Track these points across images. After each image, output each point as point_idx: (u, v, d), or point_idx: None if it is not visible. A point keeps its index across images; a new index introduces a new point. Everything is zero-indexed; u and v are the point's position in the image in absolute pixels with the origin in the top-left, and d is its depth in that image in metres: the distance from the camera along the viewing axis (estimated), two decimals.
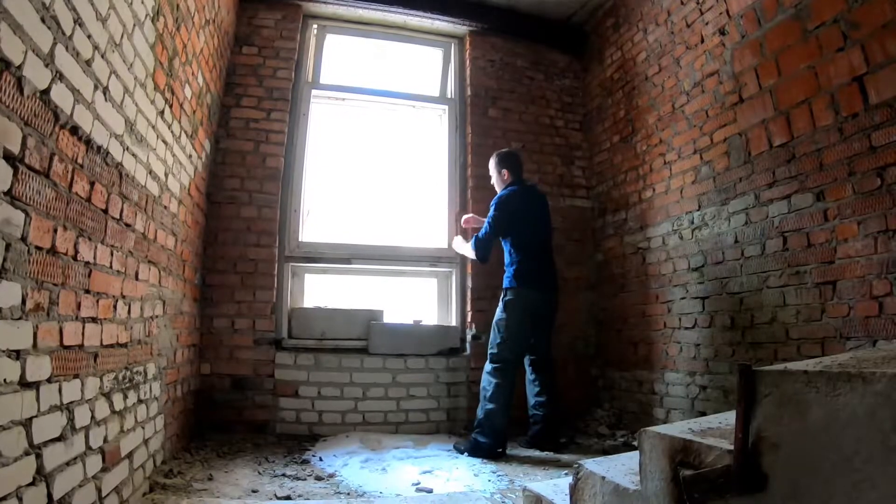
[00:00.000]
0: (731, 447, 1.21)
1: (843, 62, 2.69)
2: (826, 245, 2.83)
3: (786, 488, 1.10)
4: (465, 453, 3.60)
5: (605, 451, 3.67)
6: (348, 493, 2.80)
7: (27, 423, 1.53)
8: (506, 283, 3.88)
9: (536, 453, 3.69)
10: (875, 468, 0.96)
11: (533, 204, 4.00)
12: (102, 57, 1.99)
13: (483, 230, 3.93)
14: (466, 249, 4.14)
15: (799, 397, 1.10)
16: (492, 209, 3.91)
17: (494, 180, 4.15)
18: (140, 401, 2.54)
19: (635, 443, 1.61)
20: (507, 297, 3.83)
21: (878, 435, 0.96)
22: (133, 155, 2.37)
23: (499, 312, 3.84)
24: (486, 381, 3.76)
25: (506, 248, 3.97)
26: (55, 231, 1.70)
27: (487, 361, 3.82)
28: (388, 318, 4.51)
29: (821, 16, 2.82)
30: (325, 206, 4.92)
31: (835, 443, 1.03)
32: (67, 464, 1.77)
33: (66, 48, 1.71)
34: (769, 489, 1.13)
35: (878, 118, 2.52)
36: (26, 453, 1.52)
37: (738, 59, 3.45)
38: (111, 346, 2.19)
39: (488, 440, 3.58)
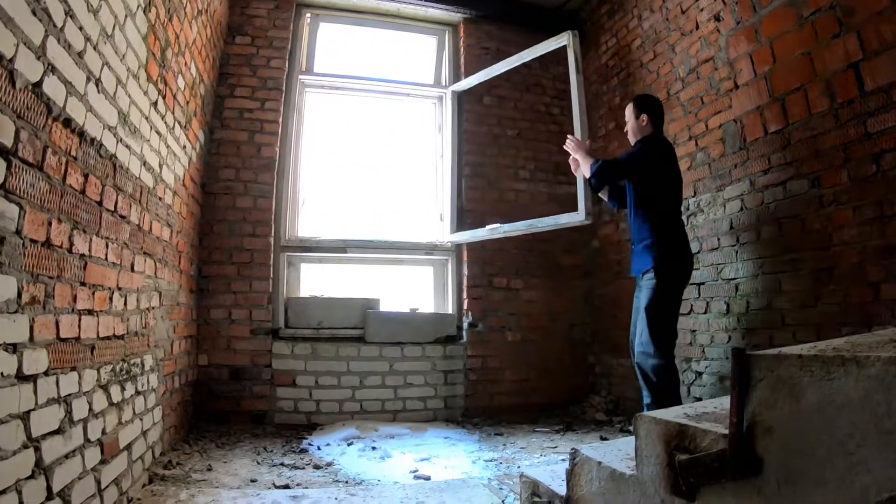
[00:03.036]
0: (727, 431, 1.22)
1: (839, 49, 2.69)
2: (821, 231, 2.83)
3: (781, 472, 1.11)
4: None
5: (602, 438, 3.70)
6: (346, 482, 2.82)
7: (25, 417, 1.54)
8: (651, 262, 3.17)
9: (533, 439, 3.71)
10: (869, 451, 0.97)
11: (674, 159, 3.36)
12: (94, 48, 1.97)
13: (616, 161, 3.38)
14: (586, 167, 3.49)
15: (793, 381, 1.11)
16: (635, 148, 3.37)
17: (629, 128, 3.43)
18: (138, 392, 2.55)
19: (631, 429, 1.62)
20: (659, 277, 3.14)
21: (872, 418, 0.97)
22: (127, 146, 2.36)
23: (649, 297, 3.15)
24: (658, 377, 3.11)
25: (639, 212, 3.30)
26: (50, 224, 1.69)
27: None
28: (385, 307, 4.52)
29: (816, 2, 2.80)
30: (321, 195, 4.91)
31: (829, 427, 1.04)
32: (66, 456, 1.78)
33: (58, 40, 1.69)
34: (764, 473, 1.14)
35: (874, 104, 2.52)
36: (25, 446, 1.53)
37: (733, 45, 3.44)
38: (108, 338, 2.19)
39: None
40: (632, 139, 3.44)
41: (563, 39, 4.21)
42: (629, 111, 3.42)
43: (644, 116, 3.34)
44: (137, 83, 2.46)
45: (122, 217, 2.34)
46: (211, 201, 4.11)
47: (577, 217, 4.03)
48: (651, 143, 3.30)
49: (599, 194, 3.71)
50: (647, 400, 3.15)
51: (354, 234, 4.65)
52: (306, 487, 2.69)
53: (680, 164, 3.89)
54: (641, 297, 3.22)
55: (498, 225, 4.51)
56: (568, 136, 3.73)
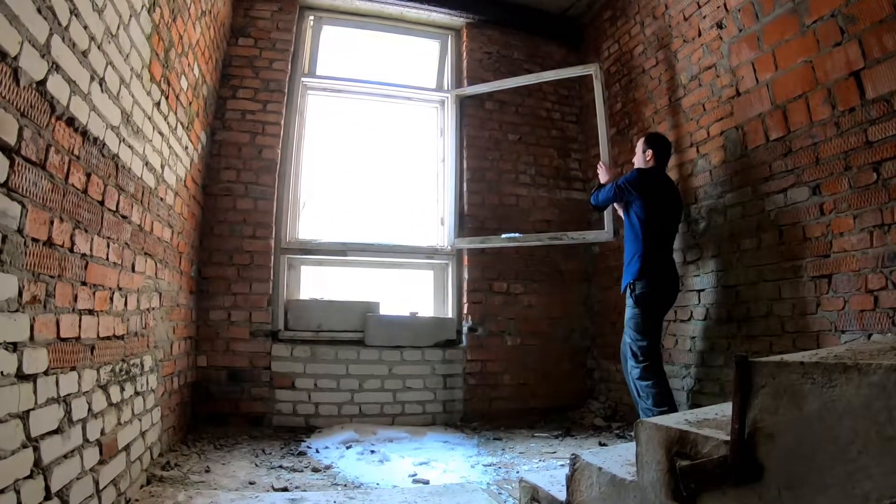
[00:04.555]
0: (728, 438, 1.22)
1: (841, 57, 2.70)
2: (822, 239, 2.84)
3: (782, 478, 1.11)
4: None
5: (601, 443, 3.69)
6: (345, 485, 2.81)
7: (24, 416, 1.53)
8: (629, 280, 3.54)
9: (532, 444, 3.70)
10: (870, 458, 0.97)
11: (669, 192, 3.67)
12: (99, 48, 1.97)
13: (609, 187, 3.78)
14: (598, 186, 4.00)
15: (795, 388, 1.11)
16: (628, 175, 3.71)
17: (636, 159, 3.80)
18: (137, 393, 2.54)
19: (631, 434, 1.63)
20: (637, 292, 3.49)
21: (873, 425, 0.97)
22: (129, 146, 2.36)
23: (628, 313, 3.55)
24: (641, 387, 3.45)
25: (627, 234, 3.68)
26: (51, 223, 1.69)
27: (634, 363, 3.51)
28: (385, 310, 4.51)
29: (818, 10, 2.81)
30: (322, 198, 4.91)
31: (830, 433, 1.04)
32: (65, 456, 1.77)
33: (63, 39, 1.70)
34: (765, 479, 1.14)
35: (875, 113, 2.53)
36: (24, 446, 1.52)
37: (736, 52, 3.45)
38: (108, 338, 2.19)
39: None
40: (634, 162, 3.84)
41: (590, 69, 4.65)
42: (640, 145, 3.77)
43: (650, 152, 3.68)
44: (141, 83, 2.46)
45: (124, 217, 2.34)
46: (212, 202, 4.11)
47: (603, 235, 4.47)
48: (644, 173, 3.64)
49: (619, 214, 3.97)
50: (642, 406, 3.44)
51: (355, 238, 4.65)
52: (305, 490, 2.68)
53: (681, 170, 3.93)
54: (626, 314, 3.59)
55: (517, 234, 4.63)
56: (600, 162, 4.27)
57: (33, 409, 1.58)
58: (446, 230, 4.79)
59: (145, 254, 2.67)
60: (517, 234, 4.61)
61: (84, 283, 1.95)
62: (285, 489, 2.68)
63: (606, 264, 4.84)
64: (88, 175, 1.96)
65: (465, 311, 4.63)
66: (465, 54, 5.09)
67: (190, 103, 3.39)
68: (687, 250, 3.85)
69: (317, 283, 4.65)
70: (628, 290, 3.53)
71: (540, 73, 4.91)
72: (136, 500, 2.39)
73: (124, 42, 2.22)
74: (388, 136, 5.23)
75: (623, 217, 3.79)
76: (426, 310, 4.74)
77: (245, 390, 4.00)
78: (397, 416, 4.25)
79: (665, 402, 3.33)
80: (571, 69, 4.84)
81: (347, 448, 3.50)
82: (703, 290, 3.69)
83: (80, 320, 1.92)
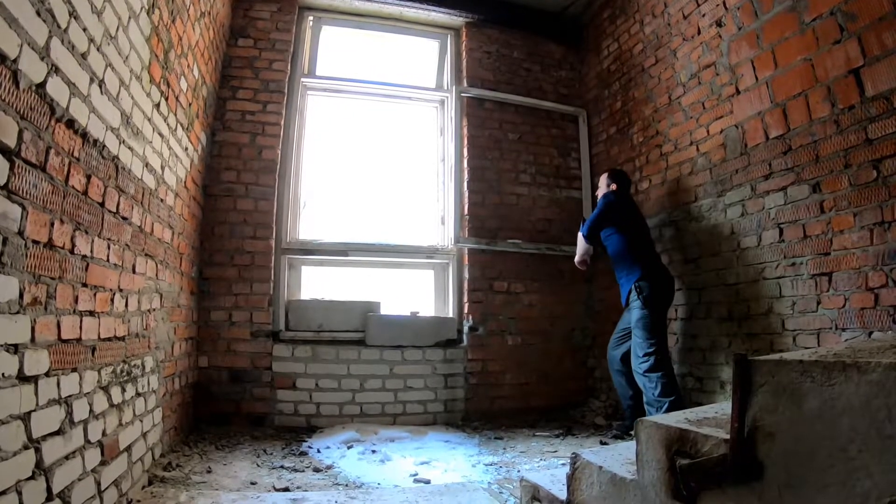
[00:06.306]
0: (727, 436, 1.23)
1: (840, 54, 2.70)
2: (822, 236, 2.84)
3: (781, 477, 1.11)
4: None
5: (602, 442, 3.69)
6: (346, 485, 2.82)
7: (26, 417, 1.54)
8: (631, 287, 3.73)
9: (533, 443, 3.70)
10: (870, 457, 0.97)
11: (637, 212, 4.05)
12: (98, 50, 1.98)
13: (587, 221, 4.07)
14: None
15: (794, 387, 1.11)
16: (598, 205, 4.04)
17: (600, 191, 4.17)
18: (138, 394, 2.55)
19: (632, 432, 1.63)
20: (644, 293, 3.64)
21: (873, 424, 0.97)
22: (129, 148, 2.36)
23: (637, 316, 3.65)
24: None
25: (614, 255, 3.92)
26: (52, 225, 1.70)
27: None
28: (386, 310, 4.51)
29: (818, 8, 2.81)
30: (322, 198, 4.91)
31: (830, 432, 1.04)
32: (66, 457, 1.78)
33: (62, 41, 1.70)
34: (765, 477, 1.15)
35: (875, 110, 2.53)
36: (25, 447, 1.53)
37: (735, 50, 3.45)
38: (109, 339, 2.19)
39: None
40: (598, 195, 4.18)
41: (578, 112, 5.30)
42: (603, 179, 4.15)
43: (614, 185, 4.04)
44: (140, 85, 2.47)
45: (124, 218, 2.35)
46: (212, 203, 4.11)
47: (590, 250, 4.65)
48: (615, 194, 3.97)
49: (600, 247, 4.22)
50: (649, 397, 3.54)
51: (355, 237, 4.65)
52: (306, 490, 2.68)
53: (680, 169, 3.93)
54: (632, 317, 3.70)
55: (519, 241, 4.77)
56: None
57: (34, 411, 1.58)
58: (447, 230, 4.79)
59: (146, 255, 2.67)
60: (519, 241, 4.77)
61: (85, 285, 1.96)
62: (287, 489, 2.69)
63: (607, 264, 4.82)
64: (88, 177, 1.96)
65: (465, 310, 4.63)
66: (464, 54, 5.09)
67: (190, 104, 3.39)
68: (687, 249, 3.85)
69: (318, 283, 4.65)
70: (635, 292, 3.67)
71: (539, 101, 5.22)
72: (138, 501, 2.39)
73: (123, 44, 2.23)
74: (389, 136, 5.22)
75: (610, 238, 3.92)
76: (427, 309, 4.74)
77: (246, 391, 4.00)
78: (398, 416, 4.25)
79: (674, 392, 3.44)
80: (565, 107, 5.29)
81: (349, 448, 3.50)
82: (703, 289, 3.69)
83: (80, 322, 1.92)
